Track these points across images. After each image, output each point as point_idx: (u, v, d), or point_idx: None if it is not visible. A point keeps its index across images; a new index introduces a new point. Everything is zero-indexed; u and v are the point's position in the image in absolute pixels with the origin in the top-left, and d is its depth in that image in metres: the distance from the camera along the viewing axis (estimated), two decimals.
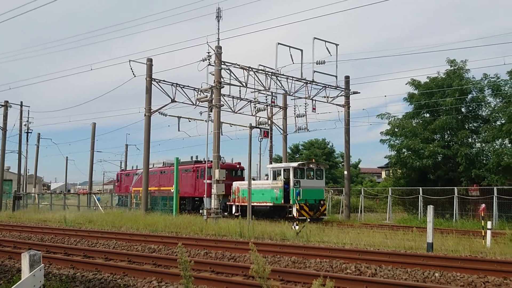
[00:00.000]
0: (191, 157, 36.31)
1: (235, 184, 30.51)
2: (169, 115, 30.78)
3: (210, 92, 26.35)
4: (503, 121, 27.24)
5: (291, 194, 26.70)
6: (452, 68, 30.65)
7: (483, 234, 16.40)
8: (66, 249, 13.90)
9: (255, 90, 29.04)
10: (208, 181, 30.39)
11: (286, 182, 27.22)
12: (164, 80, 29.70)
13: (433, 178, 30.27)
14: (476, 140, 30.15)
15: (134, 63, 29.12)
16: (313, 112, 31.17)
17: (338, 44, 29.96)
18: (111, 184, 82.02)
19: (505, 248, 14.19)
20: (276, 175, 27.96)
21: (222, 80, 26.10)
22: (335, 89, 30.96)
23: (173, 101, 29.76)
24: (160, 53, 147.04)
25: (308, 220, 22.55)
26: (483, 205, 19.03)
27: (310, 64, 29.20)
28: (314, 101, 30.81)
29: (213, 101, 25.99)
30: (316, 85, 30.12)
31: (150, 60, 29.65)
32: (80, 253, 13.30)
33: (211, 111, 26.69)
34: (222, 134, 27.81)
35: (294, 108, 32.10)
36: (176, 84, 29.73)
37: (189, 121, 31.65)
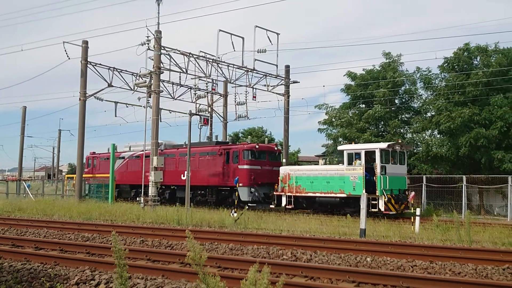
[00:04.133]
0: (208, 137, 31.92)
1: (284, 169, 25.83)
2: (106, 100, 29.91)
3: (149, 77, 25.79)
4: (433, 113, 28.60)
5: (378, 182, 21.78)
6: (387, 60, 31.77)
7: (412, 220, 17.21)
8: None
9: (196, 76, 28.77)
10: (246, 167, 26.61)
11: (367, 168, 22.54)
12: (100, 64, 28.72)
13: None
14: (408, 131, 31.51)
15: (68, 45, 28.04)
16: (253, 100, 31.35)
17: (279, 34, 30.20)
18: (43, 171, 78.75)
19: (432, 234, 14.98)
20: (352, 158, 22.83)
21: (161, 65, 25.63)
22: (276, 78, 31.23)
23: (110, 85, 28.85)
24: (96, 35, 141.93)
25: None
26: (413, 193, 19.99)
27: (251, 52, 29.27)
28: (254, 89, 30.93)
29: (152, 86, 25.48)
30: (257, 73, 30.21)
31: (85, 42, 28.59)
32: (8, 242, 12.66)
33: (150, 97, 26.20)
34: (161, 121, 27.31)
35: (235, 96, 32.13)
36: (113, 68, 28.85)
37: (127, 106, 30.92)
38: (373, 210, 21.52)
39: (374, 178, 22.10)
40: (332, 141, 32.36)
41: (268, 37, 29.53)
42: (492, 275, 8.96)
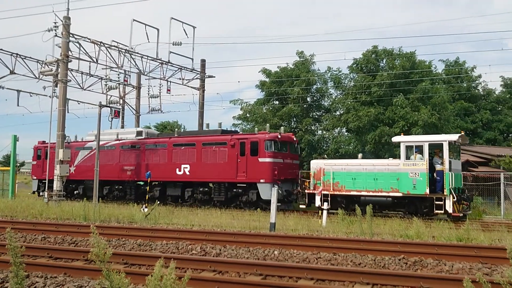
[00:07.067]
0: (219, 125, 28.09)
1: (317, 163, 22.22)
2: (7, 88, 28.13)
3: (56, 65, 24.51)
4: (342, 112, 29.92)
5: (446, 180, 18.74)
6: (300, 59, 32.70)
7: (319, 214, 17.89)
8: None
9: (107, 67, 27.72)
10: (268, 160, 23.03)
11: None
12: (1, 49, 26.80)
13: None
14: (318, 128, 32.70)
15: None
16: (167, 94, 30.90)
17: (195, 27, 30.01)
18: None
19: (338, 227, 15.63)
20: (411, 152, 19.75)
21: (70, 53, 24.43)
22: (191, 71, 30.98)
23: (12, 72, 27.01)
24: None
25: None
26: (321, 188, 20.70)
27: (166, 44, 28.79)
28: (169, 82, 30.49)
29: (59, 75, 24.24)
30: (172, 66, 29.78)
31: None
32: None
33: (57, 86, 24.92)
34: (68, 112, 26.08)
35: (148, 88, 31.48)
36: (17, 54, 27.02)
37: (31, 95, 29.35)
38: (437, 211, 19.02)
39: (434, 174, 19.50)
40: None
41: (184, 30, 29.28)
42: (389, 265, 9.55)
